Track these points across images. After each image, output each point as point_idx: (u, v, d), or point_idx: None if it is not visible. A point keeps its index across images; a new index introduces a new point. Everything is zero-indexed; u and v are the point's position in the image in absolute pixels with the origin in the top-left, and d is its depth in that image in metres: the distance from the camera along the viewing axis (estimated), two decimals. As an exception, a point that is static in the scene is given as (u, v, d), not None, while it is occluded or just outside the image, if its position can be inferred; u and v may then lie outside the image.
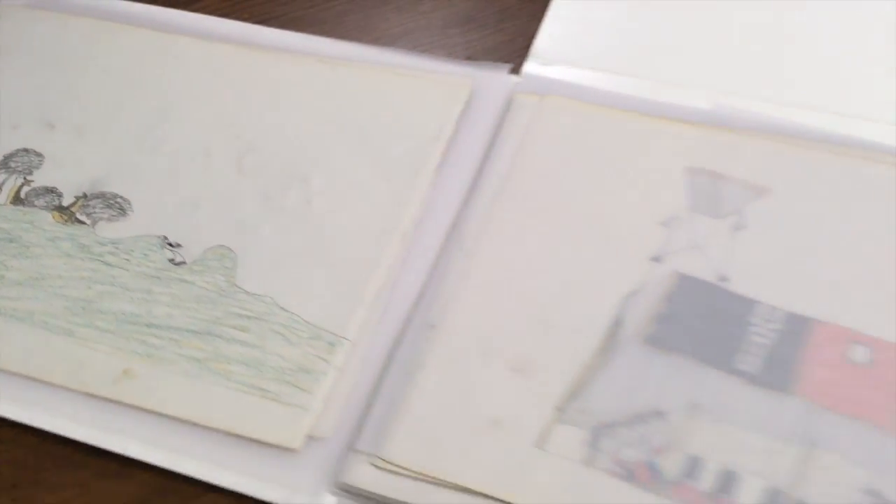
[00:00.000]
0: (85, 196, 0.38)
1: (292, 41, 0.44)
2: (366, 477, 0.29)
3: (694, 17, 0.43)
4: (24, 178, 0.39)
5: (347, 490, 0.29)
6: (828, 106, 0.39)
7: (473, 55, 0.44)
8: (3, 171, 0.40)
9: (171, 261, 0.36)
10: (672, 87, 0.40)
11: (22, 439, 0.33)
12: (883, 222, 0.34)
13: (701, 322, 0.32)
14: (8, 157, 0.40)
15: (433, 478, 0.29)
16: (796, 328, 0.32)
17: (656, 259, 0.34)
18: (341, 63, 0.41)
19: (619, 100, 0.40)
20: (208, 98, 0.40)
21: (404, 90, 0.40)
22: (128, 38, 0.43)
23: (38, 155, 0.40)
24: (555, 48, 0.43)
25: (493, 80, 0.42)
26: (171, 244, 0.36)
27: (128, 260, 0.36)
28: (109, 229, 0.37)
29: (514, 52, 0.43)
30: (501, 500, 0.28)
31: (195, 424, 0.31)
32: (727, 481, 0.28)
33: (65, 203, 0.38)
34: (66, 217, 0.38)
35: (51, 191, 0.39)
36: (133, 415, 0.32)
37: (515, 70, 0.42)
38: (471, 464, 0.29)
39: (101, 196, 0.38)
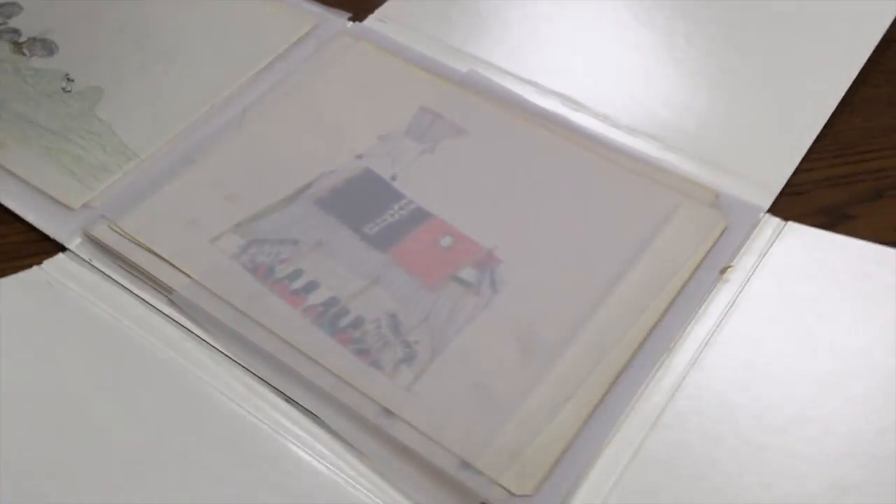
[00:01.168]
0: (33, 39, 0.56)
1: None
2: (101, 233, 0.44)
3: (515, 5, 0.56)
4: (3, 20, 0.57)
5: (89, 237, 0.45)
6: (553, 89, 0.51)
7: (338, 4, 0.58)
8: (-4, 15, 0.57)
9: (63, 89, 0.52)
10: (451, 52, 0.53)
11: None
12: (522, 175, 0.47)
13: (359, 199, 0.45)
14: (2, 6, 0.58)
15: (141, 244, 0.44)
16: (417, 217, 0.45)
17: (359, 157, 0.48)
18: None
19: (411, 54, 0.53)
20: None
21: (250, 21, 0.55)
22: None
23: (20, 7, 0.58)
24: (396, 10, 0.57)
25: (332, 22, 0.56)
26: (69, 79, 0.53)
27: (37, 82, 0.53)
28: (39, 62, 0.54)
29: (371, 7, 0.57)
30: (179, 269, 0.43)
31: (22, 180, 0.47)
32: (310, 288, 0.42)
33: (20, 40, 0.56)
34: (15, 48, 0.55)
35: (14, 30, 0.56)
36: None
37: (357, 19, 0.57)
38: (167, 242, 0.44)
39: (44, 41, 0.55)
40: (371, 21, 0.56)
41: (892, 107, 0.51)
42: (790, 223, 0.45)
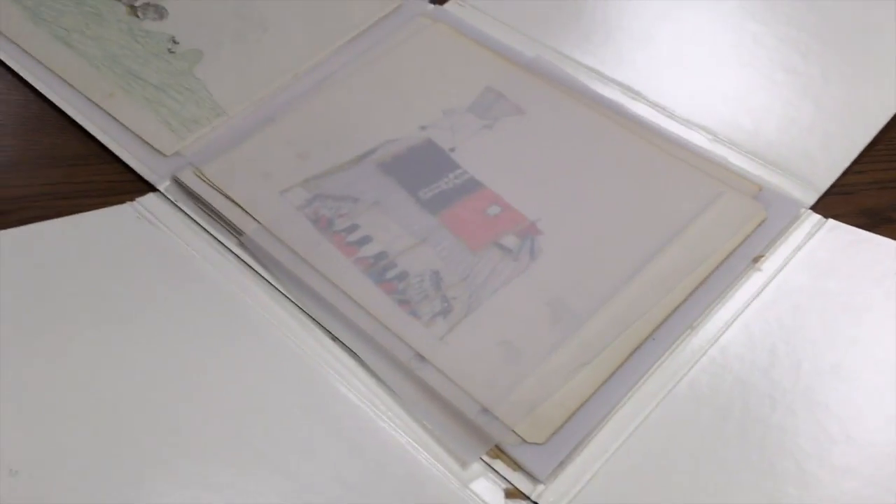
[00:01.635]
0: (147, 3, 0.61)
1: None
2: (187, 177, 0.50)
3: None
4: (124, -15, 0.63)
5: (176, 181, 0.50)
6: (614, 78, 0.54)
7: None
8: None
9: (168, 49, 0.58)
10: (522, 38, 0.56)
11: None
12: (573, 156, 0.49)
13: (418, 166, 0.49)
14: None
15: (220, 190, 0.49)
16: (469, 186, 0.48)
17: (423, 128, 0.51)
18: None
19: (484, 37, 0.57)
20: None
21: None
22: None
23: (139, -25, 0.64)
24: (476, -2, 0.60)
25: (415, 3, 0.60)
26: (174, 41, 0.58)
27: (147, 42, 0.58)
28: (150, 25, 0.60)
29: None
30: (251, 215, 0.48)
31: (124, 126, 0.53)
32: (363, 241, 0.46)
33: (135, 4, 0.62)
34: (130, 11, 0.61)
35: (132, -6, 0.62)
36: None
37: (438, 2, 0.60)
38: (243, 190, 0.48)
39: (156, 6, 0.61)
40: (451, 5, 0.60)
41: (954, 118, 0.51)
42: (830, 220, 0.46)
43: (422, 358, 0.41)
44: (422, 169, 0.49)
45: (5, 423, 0.38)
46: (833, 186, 0.48)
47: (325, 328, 0.43)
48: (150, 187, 0.50)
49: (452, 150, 0.50)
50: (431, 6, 0.60)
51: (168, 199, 0.49)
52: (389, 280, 0.44)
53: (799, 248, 0.45)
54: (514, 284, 0.44)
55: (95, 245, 0.46)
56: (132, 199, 0.49)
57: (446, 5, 0.60)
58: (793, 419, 0.38)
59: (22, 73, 0.56)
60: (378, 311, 0.43)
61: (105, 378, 0.40)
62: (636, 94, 0.53)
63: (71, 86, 0.55)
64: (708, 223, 0.45)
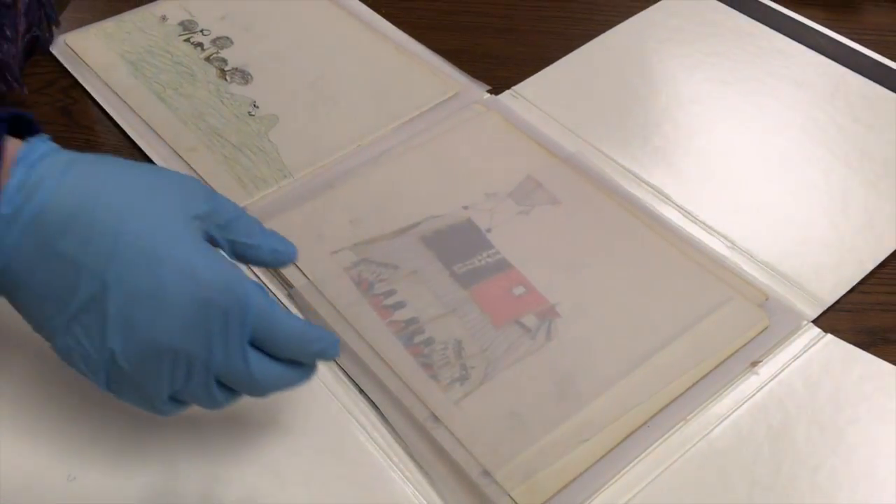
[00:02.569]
0: (235, 69, 0.69)
1: None
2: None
3: (633, 107, 0.64)
4: (217, 50, 0.71)
5: (240, 233, 0.56)
6: (647, 180, 0.58)
7: (483, 78, 0.68)
8: (213, 45, 0.71)
9: (249, 112, 0.65)
10: (566, 133, 0.62)
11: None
12: (598, 247, 0.54)
13: (456, 242, 0.54)
14: (218, 38, 0.72)
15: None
16: (500, 265, 0.53)
17: (465, 207, 0.57)
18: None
19: (531, 129, 0.62)
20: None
21: (407, 81, 0.66)
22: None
23: (231, 42, 0.71)
24: (531, 90, 0.66)
25: (473, 91, 0.66)
26: (255, 105, 0.65)
27: (231, 104, 0.65)
28: (235, 88, 0.67)
29: (509, 83, 0.67)
30: (301, 270, 0.53)
31: (202, 178, 0.59)
32: (398, 306, 0.51)
33: (225, 68, 0.69)
34: (220, 74, 0.68)
35: (222, 59, 0.70)
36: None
37: (494, 92, 0.66)
38: (298, 248, 0.54)
39: (243, 72, 0.68)
40: (505, 96, 0.65)
41: (965, 249, 0.54)
42: (829, 335, 0.49)
43: (436, 419, 0.46)
44: (459, 245, 0.54)
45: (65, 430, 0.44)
46: (838, 303, 0.51)
47: (354, 381, 0.48)
48: (217, 236, 0.56)
49: (489, 230, 0.55)
50: (487, 95, 0.65)
51: (231, 248, 0.55)
52: (417, 344, 0.49)
53: (796, 357, 0.48)
54: (528, 361, 0.48)
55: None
56: (200, 245, 0.55)
57: (500, 96, 0.65)
58: (768, 517, 0.42)
59: (118, 121, 0.64)
60: (403, 371, 0.48)
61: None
62: (665, 197, 0.57)
63: (160, 137, 0.62)
64: (713, 325, 0.49)
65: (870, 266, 0.53)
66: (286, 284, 0.52)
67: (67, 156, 0.39)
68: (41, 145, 0.39)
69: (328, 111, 0.64)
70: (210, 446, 0.44)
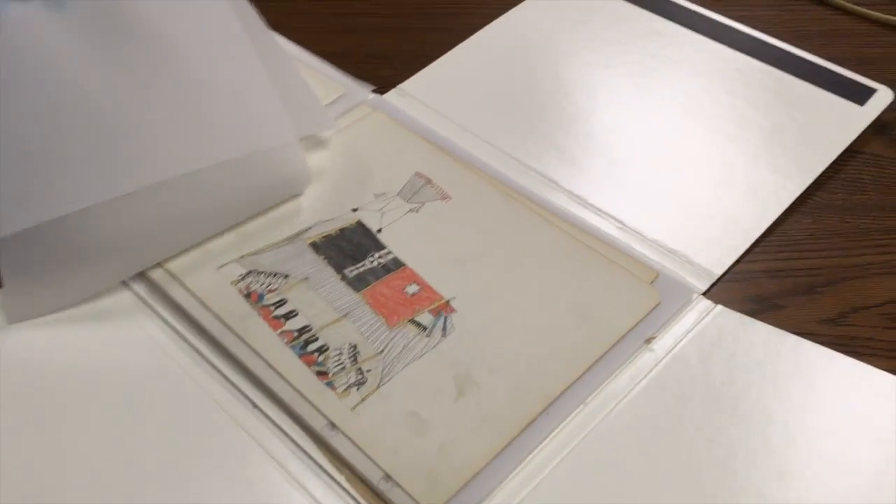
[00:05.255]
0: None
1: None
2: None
3: (527, 99, 0.63)
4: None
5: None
6: (535, 167, 0.58)
7: (369, 78, 0.67)
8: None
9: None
10: (453, 128, 0.61)
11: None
12: (491, 240, 0.53)
13: (347, 245, 0.53)
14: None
15: (163, 265, 0.52)
16: (391, 265, 0.52)
17: (354, 210, 0.56)
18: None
19: (417, 126, 0.61)
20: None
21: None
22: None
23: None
24: (416, 87, 0.65)
25: (357, 92, 0.65)
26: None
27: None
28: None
29: (394, 83, 0.66)
30: (192, 292, 0.51)
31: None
32: (289, 315, 0.49)
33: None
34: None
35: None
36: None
37: (380, 92, 0.65)
38: (183, 268, 0.52)
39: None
40: (391, 94, 0.65)
41: (843, 213, 0.56)
42: (719, 306, 0.50)
43: (334, 426, 0.44)
44: (350, 248, 0.53)
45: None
46: (726, 274, 0.52)
47: (247, 397, 0.46)
48: (96, 259, 0.54)
49: (380, 231, 0.54)
50: (372, 95, 0.64)
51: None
52: (311, 352, 0.47)
53: (688, 331, 0.49)
54: (425, 359, 0.47)
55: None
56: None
57: (386, 95, 0.64)
58: (671, 491, 0.42)
59: None
60: (297, 381, 0.46)
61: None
62: (554, 183, 0.57)
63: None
64: (606, 306, 0.49)
65: (755, 235, 0.54)
66: (173, 305, 0.50)
67: None
68: None
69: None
70: (102, 479, 0.42)
